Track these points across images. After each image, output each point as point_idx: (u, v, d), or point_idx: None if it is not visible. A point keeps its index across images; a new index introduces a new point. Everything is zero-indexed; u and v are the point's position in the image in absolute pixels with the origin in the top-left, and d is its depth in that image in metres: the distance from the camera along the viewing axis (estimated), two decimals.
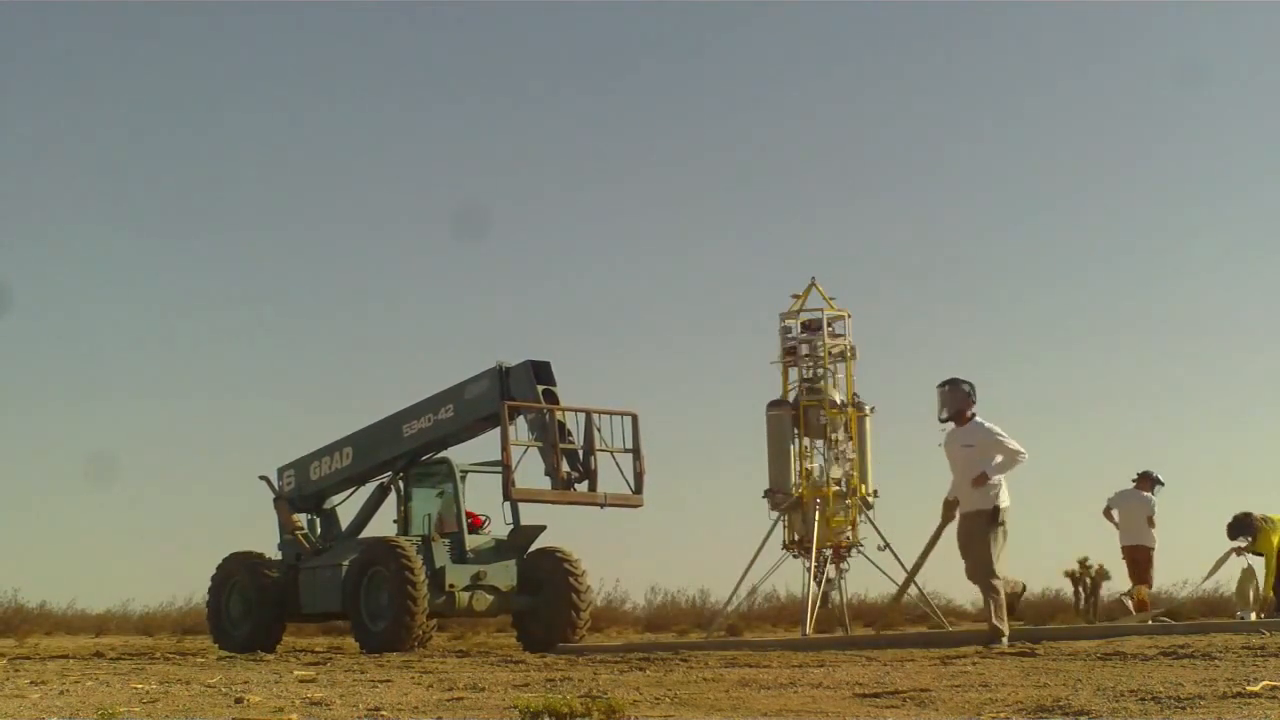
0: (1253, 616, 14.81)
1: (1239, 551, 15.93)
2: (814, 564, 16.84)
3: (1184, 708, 5.52)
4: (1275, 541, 15.64)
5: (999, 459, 11.01)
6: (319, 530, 17.76)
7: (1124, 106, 43.22)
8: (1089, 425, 40.33)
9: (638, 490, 15.24)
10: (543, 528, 16.49)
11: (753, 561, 17.26)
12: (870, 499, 17.39)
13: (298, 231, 44.06)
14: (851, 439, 17.46)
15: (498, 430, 15.03)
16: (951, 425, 11.34)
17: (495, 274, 43.27)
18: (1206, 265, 42.01)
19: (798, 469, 17.37)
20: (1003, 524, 11.00)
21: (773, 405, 17.54)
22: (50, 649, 19.79)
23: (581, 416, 15.15)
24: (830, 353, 17.60)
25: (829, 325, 17.67)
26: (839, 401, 17.42)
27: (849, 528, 17.41)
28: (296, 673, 9.74)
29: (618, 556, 39.63)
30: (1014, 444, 11.04)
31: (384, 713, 6.30)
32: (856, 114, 44.17)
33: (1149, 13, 42.31)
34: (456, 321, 42.56)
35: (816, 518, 16.99)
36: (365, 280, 44.00)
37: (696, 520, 36.80)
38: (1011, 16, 42.72)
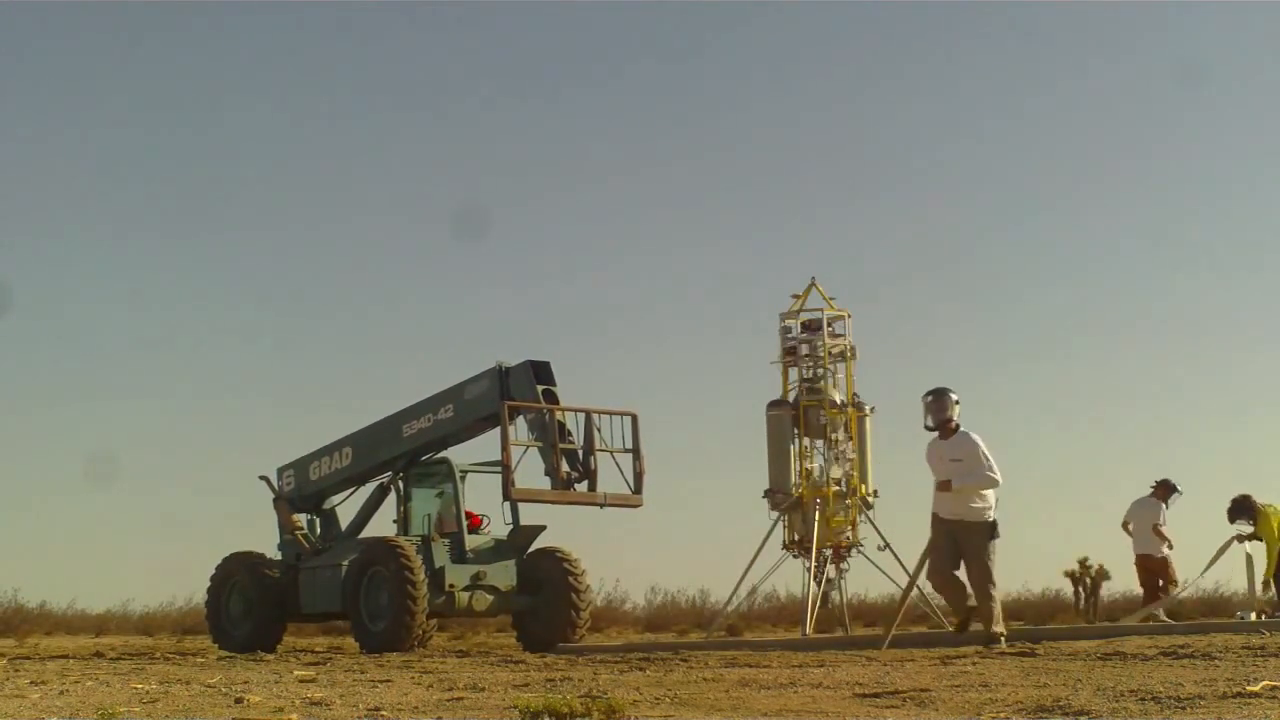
0: (1252, 616, 14.80)
1: (1240, 538, 15.90)
2: (814, 564, 16.84)
3: (1184, 708, 5.51)
4: (1276, 526, 15.58)
5: (975, 476, 11.14)
6: (319, 530, 17.75)
7: (1124, 106, 43.27)
8: (1089, 425, 40.42)
9: (637, 490, 15.23)
10: (542, 528, 16.50)
11: (753, 561, 17.28)
12: (870, 499, 17.39)
13: (298, 231, 44.13)
14: (851, 439, 17.47)
15: (497, 430, 15.02)
16: (936, 434, 11.40)
17: (495, 274, 43.34)
18: (1206, 265, 42.09)
19: (798, 469, 17.37)
20: (999, 536, 11.23)
21: (773, 405, 17.55)
22: (50, 649, 19.79)
23: (581, 416, 15.15)
24: (830, 353, 17.60)
25: (829, 325, 17.68)
26: (839, 401, 17.43)
27: (849, 528, 17.42)
28: (296, 673, 9.74)
29: (618, 556, 39.70)
30: (995, 472, 11.18)
31: (384, 713, 6.30)
32: (856, 114, 44.23)
33: (1149, 13, 42.38)
34: (456, 321, 42.62)
35: (816, 518, 16.99)
36: (365, 280, 44.08)
37: (696, 520, 36.83)
38: (1011, 16, 42.78)
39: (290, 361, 42.96)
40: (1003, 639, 10.99)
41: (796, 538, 17.30)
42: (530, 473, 14.96)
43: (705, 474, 37.49)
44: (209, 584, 17.69)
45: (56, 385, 42.65)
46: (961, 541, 11.18)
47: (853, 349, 17.78)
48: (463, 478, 16.58)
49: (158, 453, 40.67)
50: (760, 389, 18.03)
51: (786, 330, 17.91)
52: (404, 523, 16.70)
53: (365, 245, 44.37)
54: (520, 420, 15.15)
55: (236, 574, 17.41)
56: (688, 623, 25.83)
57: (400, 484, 16.89)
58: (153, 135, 42.41)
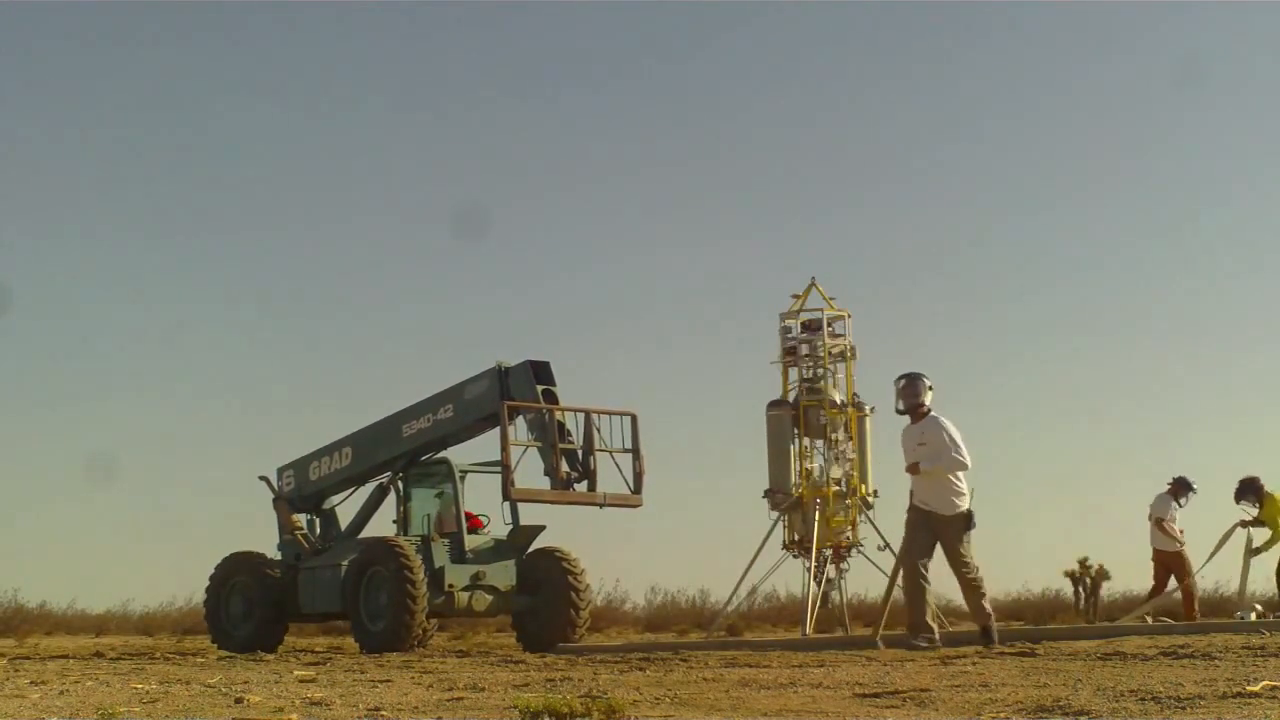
0: (1252, 616, 14.80)
1: (1244, 523, 15.89)
2: (814, 564, 16.85)
3: (1184, 708, 5.51)
4: None
5: (943, 459, 11.06)
6: (318, 530, 17.75)
7: (1124, 106, 43.27)
8: (1089, 425, 40.41)
9: (637, 490, 15.23)
10: (542, 528, 16.50)
11: (753, 561, 17.29)
12: (870, 499, 17.40)
13: (298, 231, 44.13)
14: (851, 439, 17.48)
15: (497, 430, 15.03)
16: (908, 419, 11.37)
17: (495, 274, 43.34)
18: (1206, 265, 42.09)
19: (798, 469, 17.38)
20: (974, 526, 11.19)
21: (773, 405, 17.55)
22: (50, 649, 19.79)
23: (581, 416, 15.15)
24: (830, 353, 17.61)
25: (829, 325, 17.69)
26: (839, 401, 17.43)
27: (849, 528, 17.43)
28: (296, 673, 9.73)
29: (618, 556, 39.70)
30: (961, 454, 11.06)
31: (384, 713, 6.30)
32: (856, 114, 44.24)
33: (1149, 13, 42.36)
34: (456, 321, 42.62)
35: (816, 518, 17.00)
36: (365, 280, 44.06)
37: (696, 520, 36.84)
38: (1011, 17, 42.77)
39: (290, 361, 43.00)
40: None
41: (796, 538, 17.30)
42: (530, 473, 14.98)
43: (705, 474, 37.54)
44: (208, 584, 17.68)
45: (56, 385, 42.69)
46: (938, 533, 11.12)
47: (853, 349, 17.79)
48: (462, 478, 16.58)
49: (158, 453, 40.71)
50: (760, 389, 18.06)
51: (786, 330, 17.92)
52: (404, 523, 16.70)
53: (365, 245, 44.42)
54: (520, 420, 15.15)
55: (236, 574, 17.40)
56: (688, 623, 25.82)
57: (400, 484, 16.90)
58: (152, 135, 42.46)
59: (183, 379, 42.48)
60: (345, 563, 16.21)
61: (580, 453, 14.96)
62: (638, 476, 15.23)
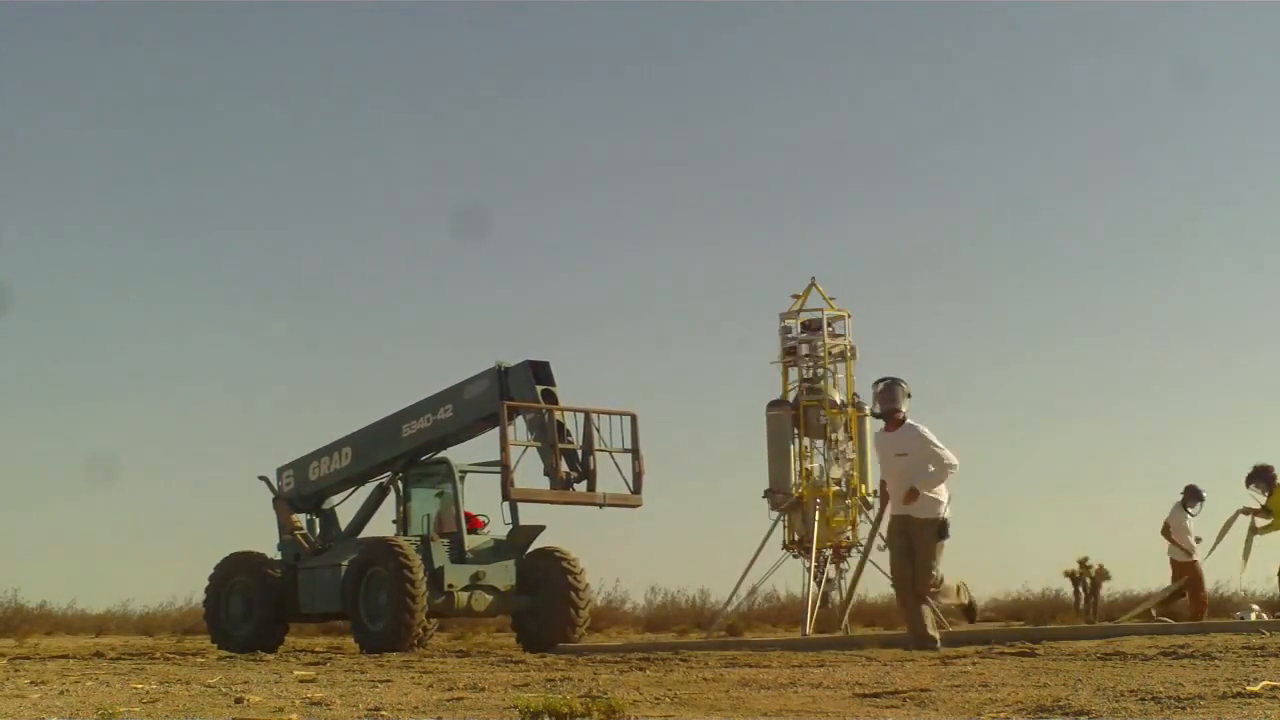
0: (1253, 616, 14.81)
1: (1247, 511, 15.90)
2: (814, 564, 16.85)
3: (1184, 708, 5.51)
4: None
5: (932, 470, 10.81)
6: (318, 530, 17.75)
7: (1124, 106, 43.27)
8: (1089, 425, 40.40)
9: (636, 490, 15.24)
10: (542, 528, 16.50)
11: (753, 561, 17.29)
12: (870, 499, 17.39)
13: (298, 231, 44.11)
14: (851, 439, 17.48)
15: (497, 430, 15.03)
16: (883, 427, 11.14)
17: (495, 274, 43.32)
18: (1207, 265, 42.08)
19: (798, 469, 17.38)
20: (948, 536, 10.96)
21: (773, 405, 17.56)
22: (50, 649, 19.78)
23: (580, 416, 15.16)
24: (830, 353, 17.61)
25: (829, 325, 17.69)
26: (839, 401, 17.44)
27: (849, 528, 17.43)
28: (296, 673, 9.73)
29: (618, 556, 39.67)
30: (947, 454, 10.84)
31: (384, 713, 6.30)
32: (856, 114, 44.22)
33: (1149, 13, 42.35)
34: (456, 321, 42.61)
35: (816, 517, 16.99)
36: (365, 280, 44.05)
37: (696, 520, 36.82)
38: (1011, 16, 42.75)
39: (290, 361, 42.98)
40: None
41: (796, 538, 17.30)
42: (529, 473, 14.99)
43: (705, 474, 37.51)
44: (207, 584, 17.67)
45: (56, 385, 42.68)
46: (912, 537, 10.93)
47: (853, 349, 17.80)
48: (462, 478, 16.59)
49: (158, 453, 40.70)
50: (760, 389, 18.06)
51: (786, 330, 17.92)
52: (403, 523, 16.70)
53: (365, 245, 44.40)
54: (519, 420, 15.16)
55: (236, 574, 17.39)
56: (688, 623, 25.81)
57: (400, 484, 16.90)
58: (152, 135, 42.43)
59: (183, 379, 42.49)
60: (345, 563, 16.21)
61: (580, 453, 14.97)
62: (637, 476, 15.23)
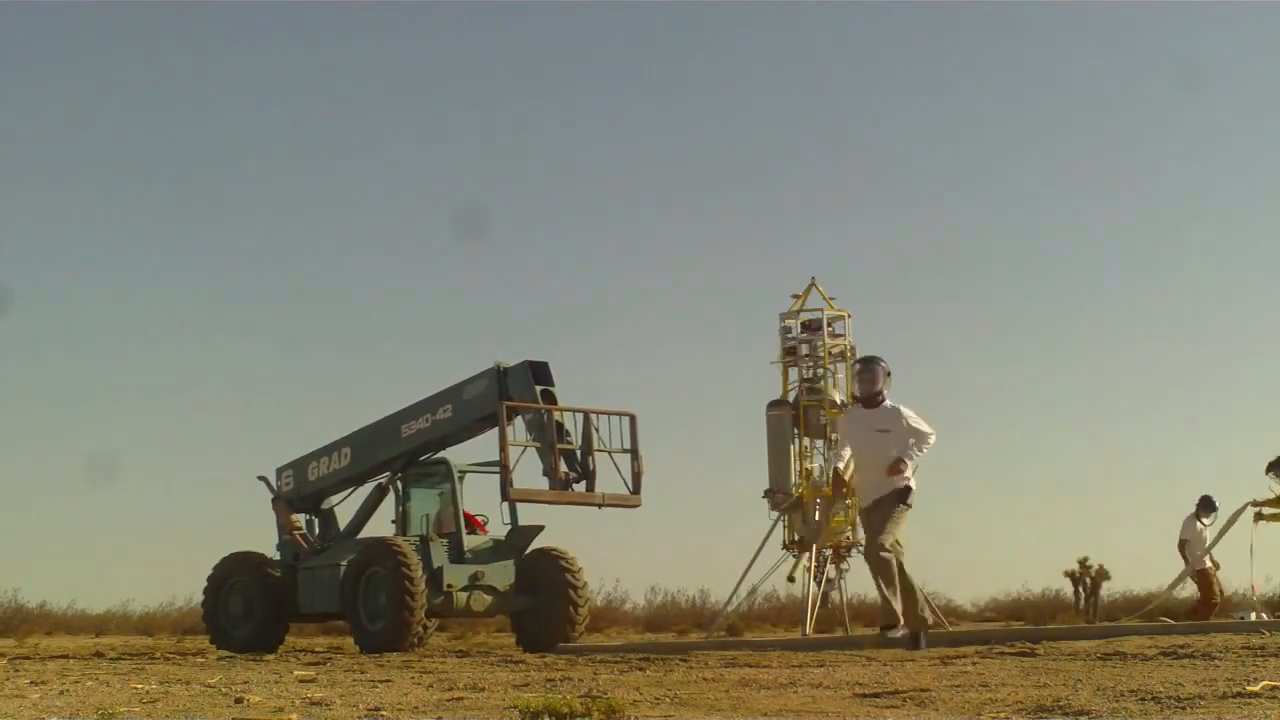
0: (1253, 616, 14.81)
1: (1255, 503, 15.90)
2: (814, 564, 16.84)
3: (1184, 708, 5.51)
4: None
5: (912, 443, 10.61)
6: (317, 530, 17.74)
7: (1124, 106, 43.28)
8: (1089, 425, 40.43)
9: (636, 490, 15.22)
10: (541, 528, 16.49)
11: (753, 561, 17.30)
12: None
13: (297, 231, 44.16)
14: None
15: (496, 430, 15.02)
16: (860, 405, 10.95)
17: (495, 274, 43.36)
18: (1206, 265, 42.11)
19: (798, 469, 17.38)
20: (910, 505, 10.67)
21: (773, 405, 17.56)
22: (50, 649, 19.79)
23: (580, 417, 15.15)
24: (830, 353, 17.61)
25: (829, 325, 17.70)
26: (839, 401, 17.43)
27: (849, 528, 17.42)
28: (296, 673, 9.73)
29: (617, 556, 39.71)
30: (926, 426, 10.66)
31: (384, 713, 6.30)
32: (856, 114, 44.27)
33: (1149, 13, 42.38)
34: (456, 321, 42.65)
35: (817, 516, 17.00)
36: (365, 280, 44.08)
37: (696, 520, 36.88)
38: (1011, 17, 42.78)
39: (290, 361, 43.03)
40: (899, 627, 10.41)
41: (796, 538, 17.30)
42: (528, 473, 14.97)
43: (705, 474, 37.57)
44: (206, 584, 17.67)
45: (56, 385, 42.70)
46: (881, 511, 10.65)
47: (853, 349, 17.79)
48: (461, 478, 16.58)
49: (158, 453, 40.73)
50: (760, 389, 18.07)
51: (786, 330, 17.93)
52: (402, 523, 16.70)
53: (365, 245, 44.42)
54: (519, 420, 15.15)
55: (235, 574, 17.39)
56: (688, 623, 25.83)
57: (399, 484, 16.90)
58: (152, 135, 42.48)
59: (182, 379, 42.54)
60: (344, 563, 16.21)
61: (579, 453, 14.96)
62: (636, 477, 15.22)
